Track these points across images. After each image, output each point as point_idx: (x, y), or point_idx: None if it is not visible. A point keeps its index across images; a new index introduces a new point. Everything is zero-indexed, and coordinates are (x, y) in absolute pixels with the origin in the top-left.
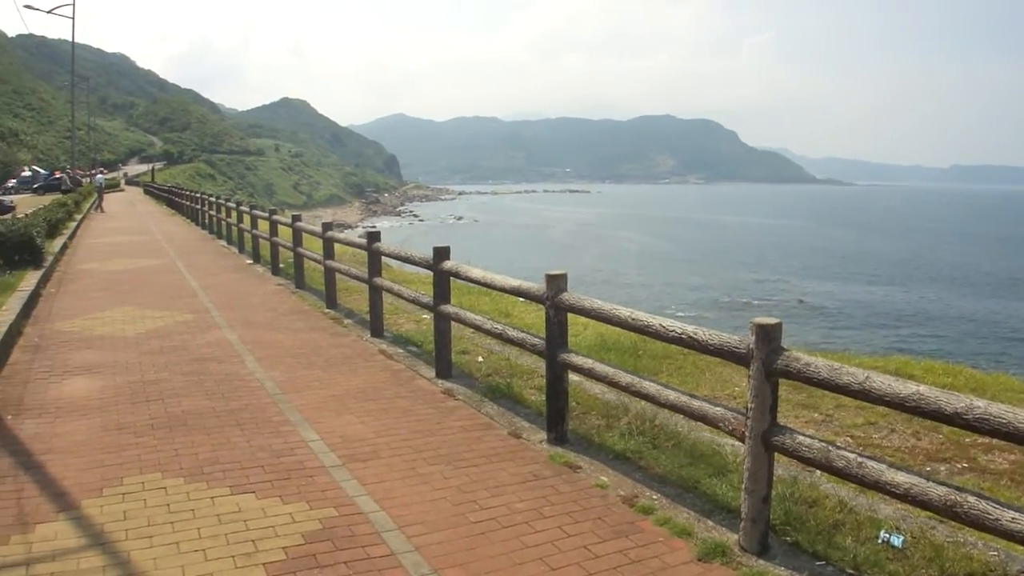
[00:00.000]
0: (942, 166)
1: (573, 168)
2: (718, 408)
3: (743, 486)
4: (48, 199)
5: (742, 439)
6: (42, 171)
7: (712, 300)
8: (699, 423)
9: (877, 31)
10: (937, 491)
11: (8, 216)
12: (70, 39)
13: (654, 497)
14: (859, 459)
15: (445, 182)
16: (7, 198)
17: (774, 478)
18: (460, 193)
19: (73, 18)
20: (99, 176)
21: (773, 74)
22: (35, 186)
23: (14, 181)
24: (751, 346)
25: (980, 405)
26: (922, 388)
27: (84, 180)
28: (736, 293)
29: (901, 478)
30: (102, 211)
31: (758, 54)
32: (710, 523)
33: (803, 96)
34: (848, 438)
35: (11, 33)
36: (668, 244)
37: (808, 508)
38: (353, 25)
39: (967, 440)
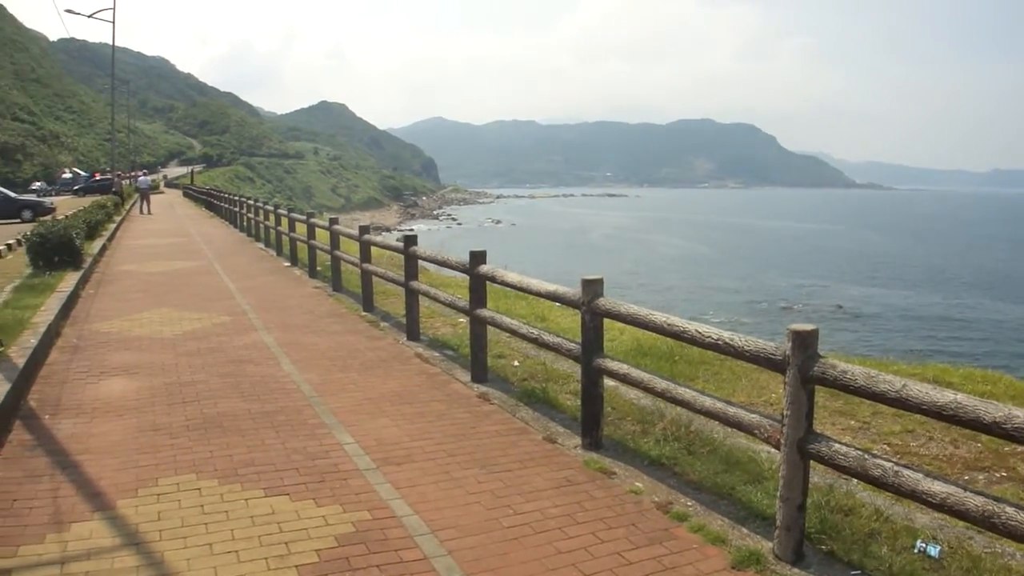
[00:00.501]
0: (982, 170)
1: (611, 172)
2: (754, 415)
3: (778, 494)
4: (88, 201)
5: (777, 446)
6: (82, 173)
7: (749, 305)
8: (734, 429)
9: (919, 34)
10: (975, 501)
11: (48, 217)
12: (110, 43)
13: (688, 504)
14: (896, 468)
15: (483, 185)
16: (47, 200)
17: (809, 486)
18: (498, 197)
19: (113, 22)
20: (143, 178)
21: (813, 77)
22: (75, 188)
23: (38, 184)
24: (787, 353)
25: (1020, 414)
26: (960, 396)
27: (124, 182)
28: (774, 298)
29: (938, 487)
30: (149, 213)
31: (798, 57)
32: (744, 531)
33: (843, 100)
34: (885, 446)
35: (53, 37)
36: (706, 248)
37: (844, 517)
38: (392, 28)
39: (1006, 449)
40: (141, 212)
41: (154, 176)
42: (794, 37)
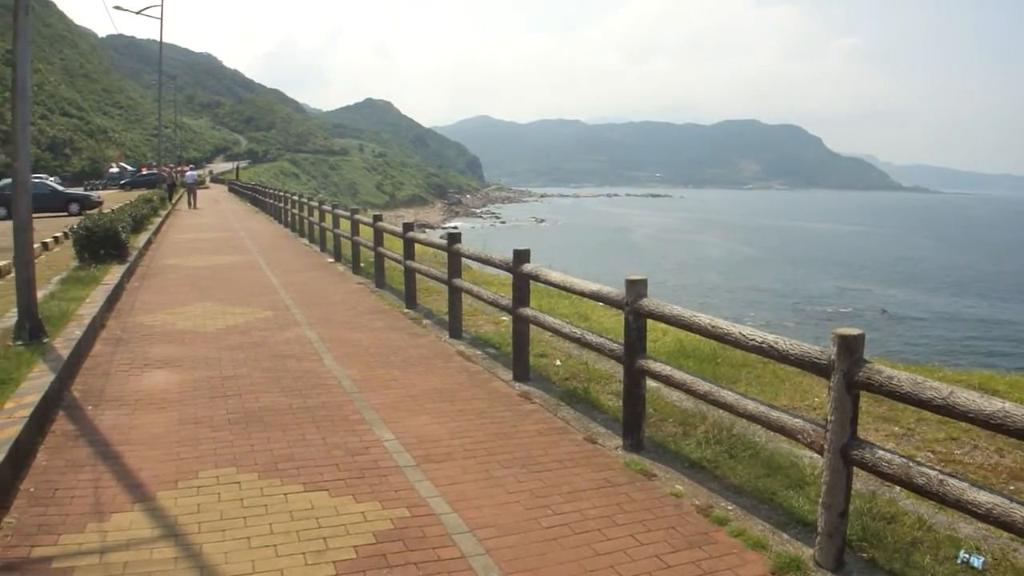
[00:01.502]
0: None
1: (656, 172)
2: (797, 420)
3: (820, 500)
4: (134, 195)
5: (821, 452)
6: (129, 168)
7: (794, 308)
8: (777, 434)
9: (967, 36)
10: (1021, 512)
11: (95, 211)
12: (158, 39)
13: (729, 508)
14: (940, 476)
15: (527, 184)
16: (94, 193)
17: (852, 492)
18: (542, 196)
19: (161, 19)
20: (190, 173)
21: (860, 79)
22: (122, 182)
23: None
24: (832, 357)
25: None
26: (1008, 405)
27: (176, 177)
28: (818, 301)
29: (983, 497)
30: (195, 207)
31: (846, 58)
32: (785, 536)
33: (890, 102)
34: (929, 453)
35: (101, 33)
36: (750, 250)
37: (886, 524)
38: (438, 27)
39: None
40: (189, 206)
41: (200, 171)
42: (842, 37)
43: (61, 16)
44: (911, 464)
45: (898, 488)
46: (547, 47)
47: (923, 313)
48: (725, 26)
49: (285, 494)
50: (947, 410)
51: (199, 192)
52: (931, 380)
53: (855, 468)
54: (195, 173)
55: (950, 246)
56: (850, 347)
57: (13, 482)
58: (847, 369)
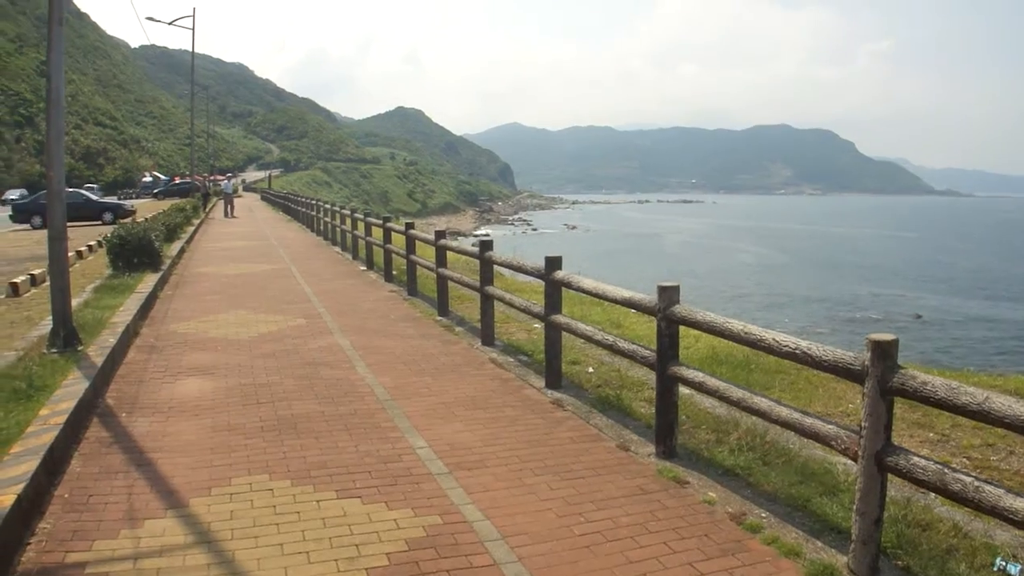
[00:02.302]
0: None
1: (687, 178)
2: (831, 426)
3: (854, 507)
4: (167, 204)
5: (855, 458)
6: (162, 177)
7: (827, 313)
8: (811, 440)
9: (1000, 37)
10: None
11: (128, 220)
12: (190, 49)
13: (762, 515)
14: (976, 483)
15: (559, 191)
16: (128, 202)
17: (887, 499)
18: (574, 202)
19: (193, 29)
20: (227, 183)
21: (892, 82)
22: (156, 191)
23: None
24: (866, 363)
25: None
26: None
27: (209, 186)
28: (852, 307)
29: (1020, 504)
30: (233, 216)
31: (876, 62)
32: (819, 544)
33: (922, 105)
34: (964, 459)
35: (134, 44)
36: (783, 256)
37: (921, 532)
38: (468, 35)
39: None
40: (225, 215)
41: (234, 180)
42: (872, 41)
43: (94, 27)
44: (946, 470)
45: (933, 495)
46: (576, 53)
47: (957, 317)
48: (754, 30)
49: (318, 501)
50: (982, 416)
51: (235, 201)
52: (966, 385)
53: (889, 474)
54: (232, 182)
55: (983, 249)
56: (884, 353)
57: (48, 488)
58: (881, 375)
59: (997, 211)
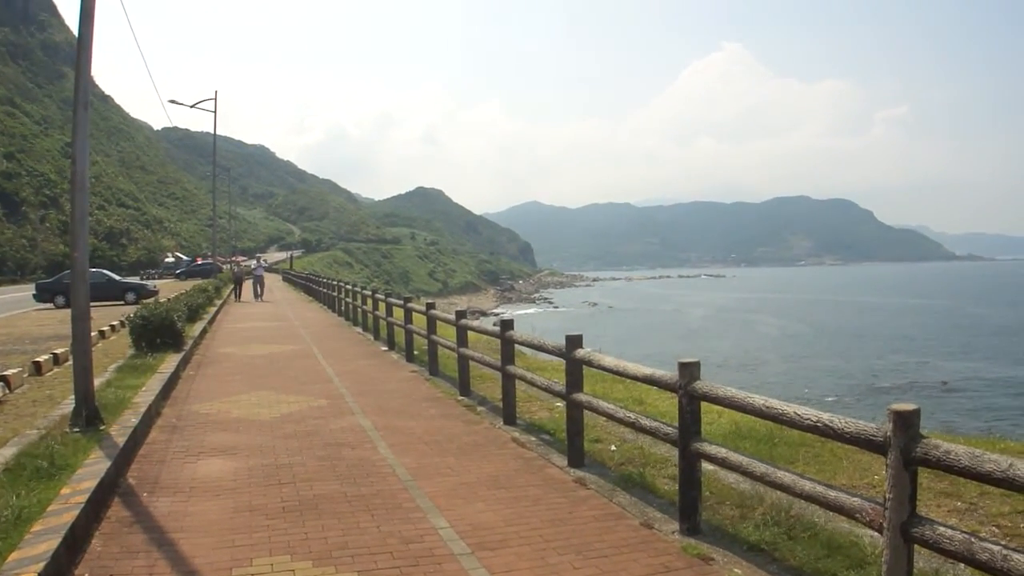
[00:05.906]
0: None
1: (707, 253)
2: (855, 499)
3: None
4: (189, 284)
5: (880, 530)
6: (184, 257)
7: (851, 384)
8: (836, 513)
9: (1015, 100)
10: None
11: (151, 300)
12: (212, 131)
13: None
14: (1004, 551)
15: (579, 268)
16: (150, 283)
17: (914, 571)
18: (594, 279)
19: (215, 112)
20: (258, 265)
21: (909, 149)
22: (178, 271)
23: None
24: (888, 434)
25: None
26: None
27: (225, 266)
28: (876, 376)
29: None
30: (262, 299)
31: (893, 129)
32: None
33: (940, 171)
34: (994, 528)
35: (157, 126)
36: (806, 328)
37: None
38: (487, 116)
39: None
40: (255, 297)
41: (252, 261)
42: (889, 108)
43: (118, 109)
44: (973, 540)
45: (962, 565)
46: (593, 131)
47: (983, 382)
48: (770, 103)
49: None
50: (1008, 483)
51: (244, 282)
52: (990, 453)
53: (916, 545)
54: (263, 265)
55: (1006, 314)
56: (906, 423)
57: (69, 567)
58: (904, 445)
59: (1019, 274)
